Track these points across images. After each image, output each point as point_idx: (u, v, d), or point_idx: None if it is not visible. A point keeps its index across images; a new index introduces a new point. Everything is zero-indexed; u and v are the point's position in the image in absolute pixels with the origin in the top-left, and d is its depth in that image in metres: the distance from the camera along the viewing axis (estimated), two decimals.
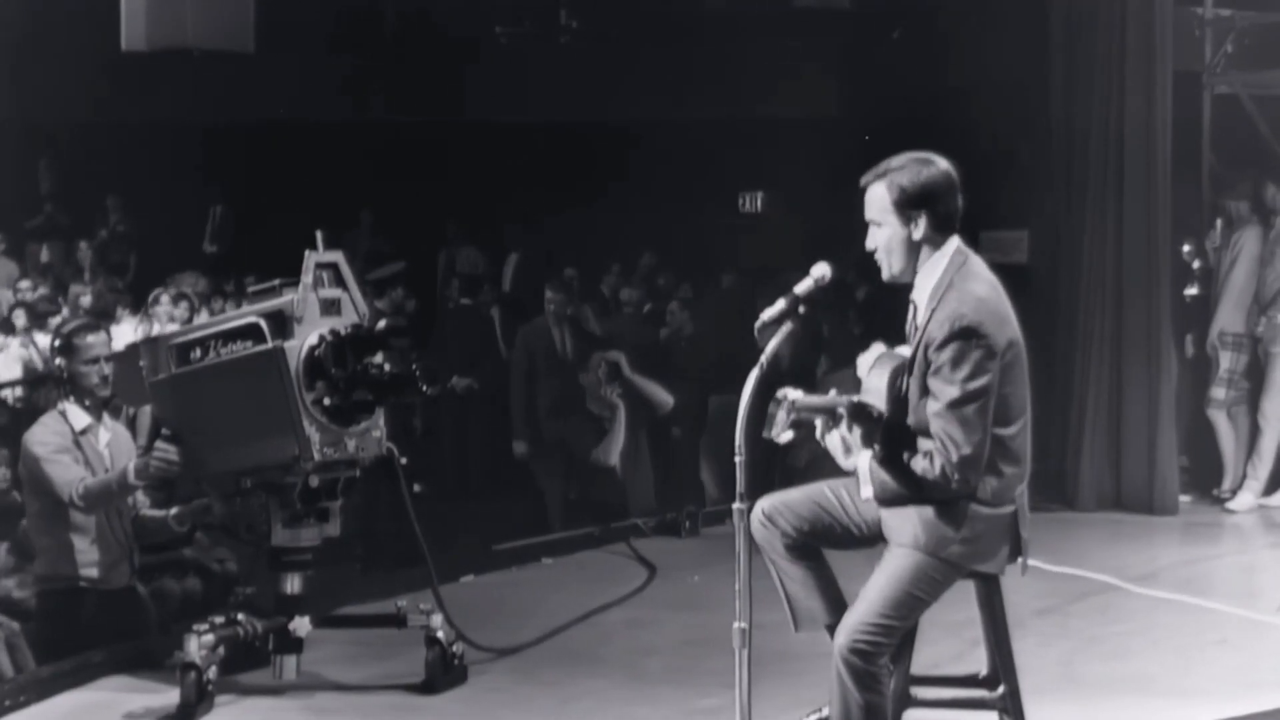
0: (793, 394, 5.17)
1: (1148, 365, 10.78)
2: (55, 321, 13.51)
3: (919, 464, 5.01)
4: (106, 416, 7.57)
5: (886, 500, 5.12)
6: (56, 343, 7.52)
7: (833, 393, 5.26)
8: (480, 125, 18.31)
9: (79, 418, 7.44)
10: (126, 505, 7.46)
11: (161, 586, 7.93)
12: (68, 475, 7.26)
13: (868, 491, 5.15)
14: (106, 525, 7.40)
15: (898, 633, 5.15)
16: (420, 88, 18.45)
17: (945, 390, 4.98)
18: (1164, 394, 10.78)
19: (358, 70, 18.61)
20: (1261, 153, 11.62)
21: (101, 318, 11.02)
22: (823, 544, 5.44)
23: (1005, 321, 5.08)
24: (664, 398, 10.83)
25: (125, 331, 12.74)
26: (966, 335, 4.97)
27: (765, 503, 5.41)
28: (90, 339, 7.44)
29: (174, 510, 7.43)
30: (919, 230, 5.14)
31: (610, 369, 10.67)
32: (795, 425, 5.15)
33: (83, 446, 7.41)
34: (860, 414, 5.15)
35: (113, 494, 7.23)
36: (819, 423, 5.19)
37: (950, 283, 5.09)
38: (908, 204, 5.13)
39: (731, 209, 18.16)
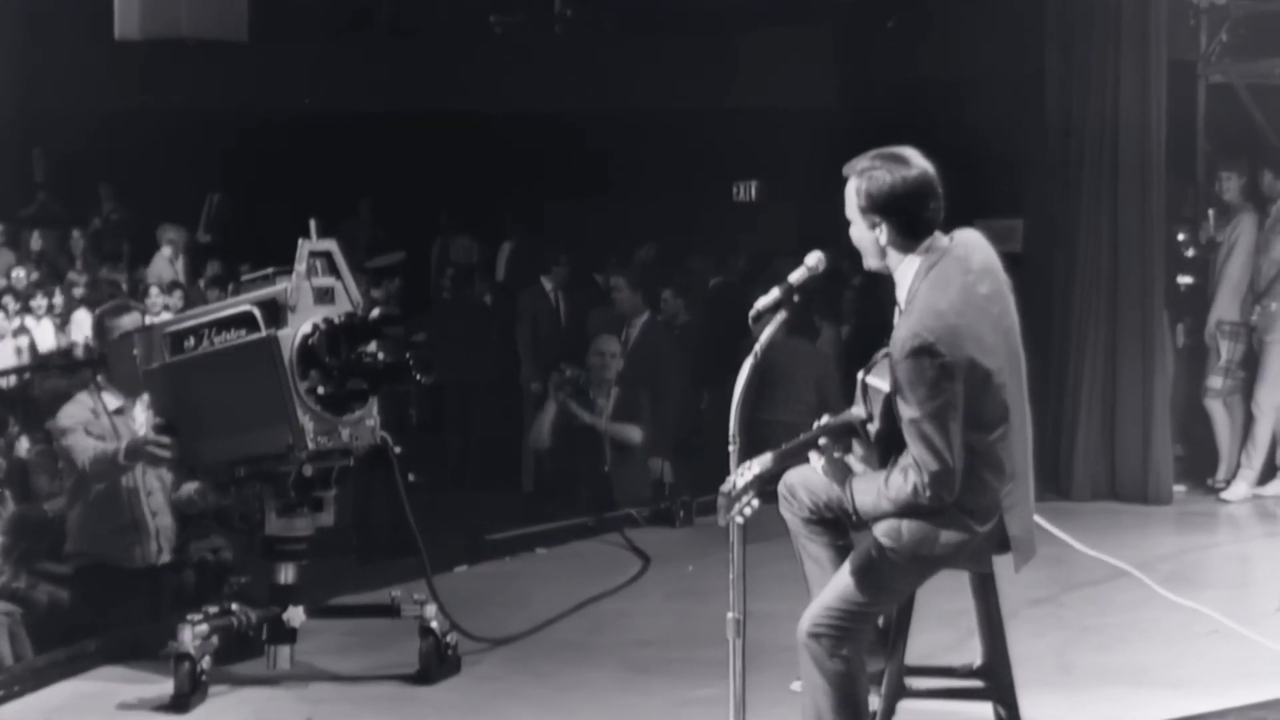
0: (750, 471, 5.13)
1: (1142, 354, 10.77)
2: (38, 304, 13.55)
3: (894, 481, 4.99)
4: (146, 395, 7.56)
5: (871, 518, 5.11)
6: (94, 324, 7.64)
7: (822, 422, 5.28)
8: (474, 114, 18.30)
9: (112, 399, 7.48)
10: (142, 484, 7.48)
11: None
12: (83, 444, 7.32)
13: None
14: (126, 504, 7.45)
15: (864, 619, 5.14)
16: (415, 77, 18.44)
17: (905, 409, 4.93)
18: (1159, 383, 10.77)
19: (352, 59, 18.60)
20: (1257, 142, 11.59)
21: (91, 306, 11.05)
22: (840, 520, 5.48)
23: (970, 333, 4.95)
24: (634, 438, 10.83)
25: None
26: (918, 354, 4.88)
27: (789, 477, 5.46)
28: (122, 320, 7.49)
29: (196, 485, 7.44)
30: (883, 236, 5.08)
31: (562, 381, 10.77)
32: (765, 486, 5.18)
33: (117, 426, 7.43)
34: (845, 433, 5.17)
35: (114, 466, 7.25)
36: (811, 456, 5.21)
37: (916, 292, 5.02)
38: (870, 210, 5.07)
39: (726, 198, 18.16)
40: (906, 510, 4.99)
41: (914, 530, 5.03)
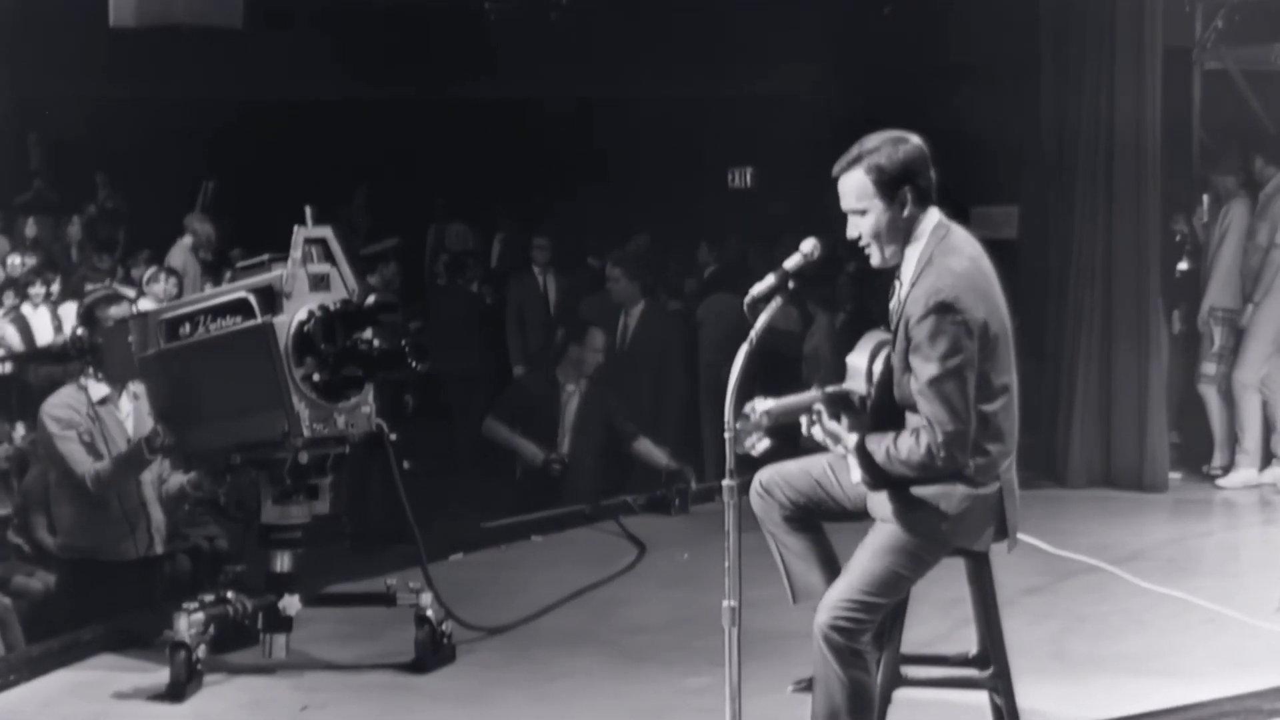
0: (763, 405, 5.21)
1: (1138, 341, 10.78)
2: (36, 291, 13.51)
3: (905, 443, 5.00)
4: (132, 385, 7.55)
5: (876, 484, 5.11)
6: (80, 314, 7.62)
7: (815, 389, 5.27)
8: (470, 101, 18.28)
9: (98, 389, 7.49)
10: (136, 480, 7.49)
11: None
12: (77, 455, 7.37)
13: (857, 476, 5.13)
14: (117, 498, 7.44)
15: (880, 610, 5.14)
16: (409, 64, 18.41)
17: (924, 368, 4.96)
18: (1154, 370, 10.78)
19: (346, 46, 18.56)
20: (1252, 129, 11.60)
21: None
22: (818, 516, 5.47)
23: (984, 297, 5.05)
24: (532, 454, 10.72)
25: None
26: (942, 310, 4.94)
27: (763, 474, 5.46)
28: (112, 310, 7.49)
29: (190, 475, 7.44)
30: (906, 208, 5.11)
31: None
32: (771, 433, 5.18)
33: (102, 417, 7.44)
34: (840, 403, 5.17)
35: (131, 465, 7.28)
36: (803, 420, 5.21)
37: (930, 258, 5.06)
38: (890, 183, 5.09)
39: (721, 185, 18.14)
40: (918, 473, 5.00)
41: (921, 510, 5.04)
